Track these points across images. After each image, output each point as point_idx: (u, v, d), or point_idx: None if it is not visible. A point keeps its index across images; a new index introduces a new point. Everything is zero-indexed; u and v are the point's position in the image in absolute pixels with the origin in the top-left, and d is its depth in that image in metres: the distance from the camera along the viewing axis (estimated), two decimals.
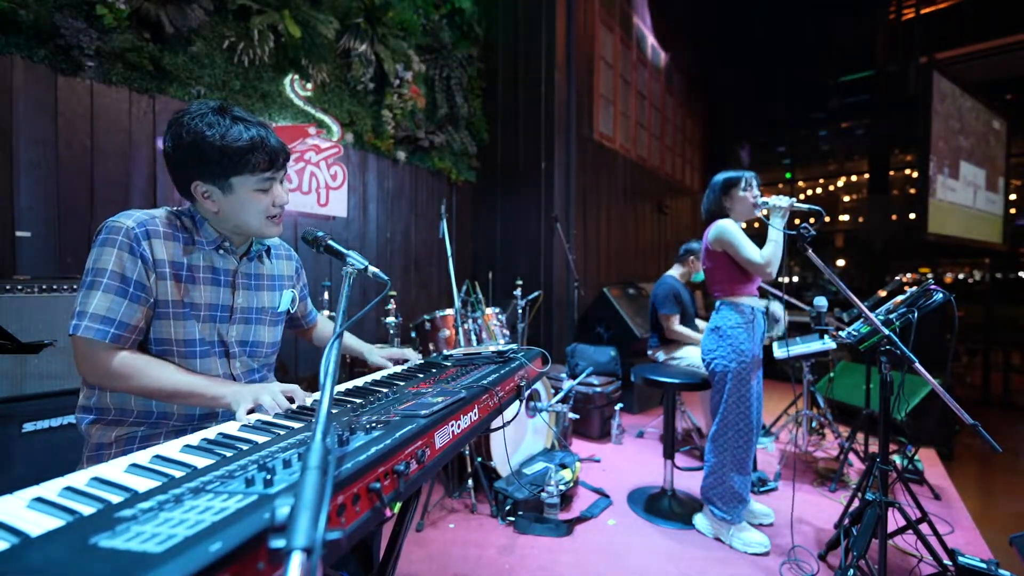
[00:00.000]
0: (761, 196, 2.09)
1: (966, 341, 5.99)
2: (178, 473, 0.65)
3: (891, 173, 6.92)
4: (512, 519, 2.22)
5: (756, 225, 2.00)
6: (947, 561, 1.69)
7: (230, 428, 0.87)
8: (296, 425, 0.88)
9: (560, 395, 2.81)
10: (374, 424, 0.80)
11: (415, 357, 1.47)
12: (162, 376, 1.00)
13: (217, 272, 1.14)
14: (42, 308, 1.72)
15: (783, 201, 1.92)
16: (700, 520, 2.22)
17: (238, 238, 1.17)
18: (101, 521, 0.49)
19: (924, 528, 1.75)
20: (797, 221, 1.95)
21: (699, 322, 3.49)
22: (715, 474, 2.10)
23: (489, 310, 2.90)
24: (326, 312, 2.60)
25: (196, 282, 1.10)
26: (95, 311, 0.96)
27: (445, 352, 1.55)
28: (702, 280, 3.43)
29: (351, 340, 1.53)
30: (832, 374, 3.83)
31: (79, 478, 0.65)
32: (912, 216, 6.20)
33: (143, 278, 1.01)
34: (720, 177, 2.17)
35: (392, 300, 2.64)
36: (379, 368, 1.45)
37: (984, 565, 1.62)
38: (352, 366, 2.68)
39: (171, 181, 1.10)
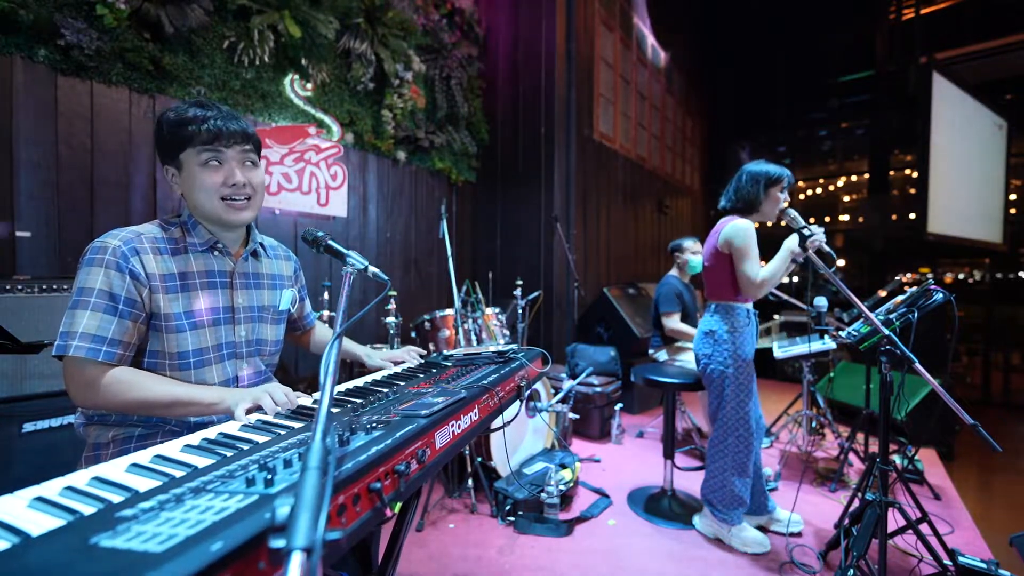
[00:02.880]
0: (787, 205, 1.99)
1: (966, 341, 5.99)
2: (179, 473, 0.65)
3: (891, 173, 6.91)
4: (512, 519, 2.22)
5: (769, 224, 2.01)
6: (947, 561, 1.69)
7: (230, 428, 0.87)
8: (296, 425, 0.88)
9: (560, 395, 2.81)
10: (374, 424, 0.80)
11: (412, 359, 1.47)
12: (156, 388, 0.99)
13: (213, 275, 1.15)
14: (42, 308, 1.72)
15: (818, 234, 1.78)
16: (700, 521, 2.22)
17: (222, 230, 1.16)
18: (102, 521, 0.49)
19: (924, 528, 1.75)
20: (783, 222, 1.94)
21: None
22: (715, 477, 2.10)
23: (489, 310, 2.90)
24: (326, 312, 2.60)
25: (192, 289, 1.10)
26: (85, 330, 0.95)
27: (445, 352, 1.55)
28: (698, 271, 3.41)
29: (348, 344, 1.51)
30: (832, 374, 3.83)
31: (79, 478, 0.65)
32: (912, 216, 6.20)
33: (133, 294, 1.01)
34: (763, 168, 2.00)
35: (392, 300, 2.64)
36: (379, 370, 1.45)
37: (984, 565, 1.62)
38: (352, 367, 2.68)
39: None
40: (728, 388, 2.05)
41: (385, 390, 1.09)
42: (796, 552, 2.00)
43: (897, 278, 3.00)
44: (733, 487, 2.05)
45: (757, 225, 2.12)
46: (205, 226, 1.14)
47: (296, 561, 0.39)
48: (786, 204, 1.98)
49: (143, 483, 0.63)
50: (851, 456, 2.85)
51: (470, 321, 2.72)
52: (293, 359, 3.03)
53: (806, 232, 1.81)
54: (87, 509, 0.55)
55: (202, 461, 0.70)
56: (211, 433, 0.84)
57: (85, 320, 0.96)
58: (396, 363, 1.47)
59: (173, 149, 1.08)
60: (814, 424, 3.33)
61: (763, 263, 1.99)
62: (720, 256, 2.06)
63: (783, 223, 1.93)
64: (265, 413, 0.96)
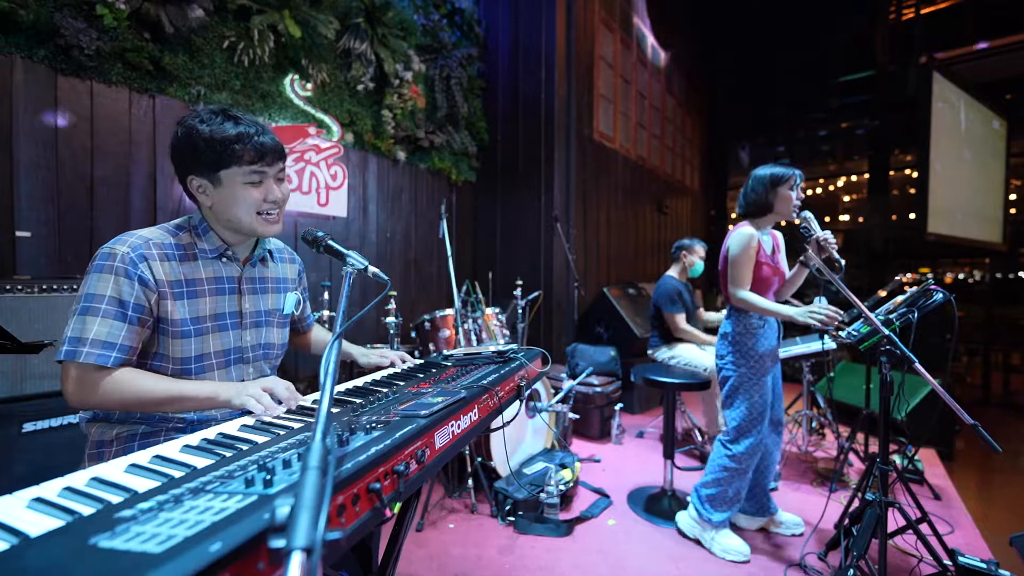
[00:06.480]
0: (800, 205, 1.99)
1: (966, 341, 5.99)
2: (178, 473, 0.65)
3: (891, 173, 6.92)
4: (512, 519, 2.22)
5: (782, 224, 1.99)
6: (947, 561, 1.68)
7: (230, 428, 0.87)
8: (296, 425, 0.88)
9: (560, 395, 2.81)
10: (374, 424, 0.80)
11: (399, 359, 1.46)
12: (149, 385, 0.99)
13: (221, 281, 1.15)
14: (42, 308, 1.72)
15: (830, 238, 1.85)
16: (683, 519, 2.17)
17: (237, 238, 1.17)
18: (101, 521, 0.49)
19: (924, 528, 1.75)
20: (797, 221, 1.94)
21: (709, 314, 3.48)
22: (715, 474, 2.05)
23: (489, 310, 2.90)
24: (326, 312, 2.60)
25: (200, 295, 1.11)
26: (96, 337, 0.96)
27: (445, 352, 1.55)
28: (699, 275, 3.43)
29: (344, 345, 1.49)
30: (832, 374, 3.83)
31: (79, 478, 0.65)
32: (912, 216, 6.20)
33: (142, 299, 1.01)
34: (767, 171, 2.01)
35: (392, 300, 2.64)
36: (375, 369, 1.45)
37: (984, 565, 1.62)
38: (352, 367, 2.67)
39: (172, 181, 1.12)
40: (741, 389, 2.01)
41: (385, 390, 1.09)
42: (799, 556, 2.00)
43: (897, 278, 2.99)
44: (729, 489, 2.00)
45: (783, 223, 2.08)
46: (218, 233, 1.14)
47: (296, 561, 0.39)
48: (803, 211, 1.96)
49: (142, 483, 0.63)
50: (851, 456, 2.85)
51: (470, 321, 2.72)
52: (293, 359, 3.03)
53: (821, 237, 1.86)
54: (86, 510, 0.55)
55: (201, 461, 0.70)
56: (210, 433, 0.84)
57: (96, 327, 0.96)
58: (387, 363, 1.45)
59: (213, 166, 1.05)
60: (814, 424, 3.33)
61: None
62: (728, 260, 2.07)
63: (798, 223, 1.91)
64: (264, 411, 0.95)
